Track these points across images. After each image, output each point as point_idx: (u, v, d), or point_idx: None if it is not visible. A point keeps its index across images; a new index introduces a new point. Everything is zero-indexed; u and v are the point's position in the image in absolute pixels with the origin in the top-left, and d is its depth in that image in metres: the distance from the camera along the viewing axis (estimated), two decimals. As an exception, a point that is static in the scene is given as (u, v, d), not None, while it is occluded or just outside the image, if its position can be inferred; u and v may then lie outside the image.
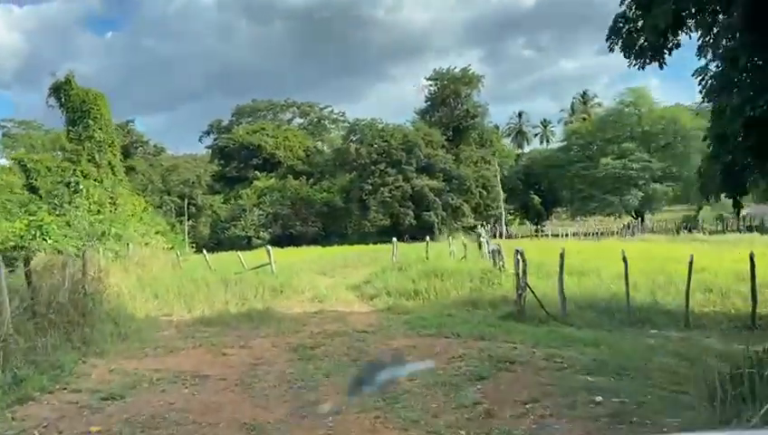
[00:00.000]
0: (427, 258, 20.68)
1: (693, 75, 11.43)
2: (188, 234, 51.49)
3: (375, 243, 40.09)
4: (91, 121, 30.44)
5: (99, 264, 13.04)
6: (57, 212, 24.24)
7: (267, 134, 72.11)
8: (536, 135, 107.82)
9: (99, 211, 24.79)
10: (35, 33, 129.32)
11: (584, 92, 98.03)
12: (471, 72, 65.01)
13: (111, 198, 28.39)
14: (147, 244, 19.13)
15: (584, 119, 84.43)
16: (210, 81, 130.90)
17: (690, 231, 53.14)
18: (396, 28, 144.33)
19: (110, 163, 30.42)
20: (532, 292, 11.93)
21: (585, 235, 53.77)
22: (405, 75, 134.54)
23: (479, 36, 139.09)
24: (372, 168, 56.59)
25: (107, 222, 20.44)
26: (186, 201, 57.59)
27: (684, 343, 10.25)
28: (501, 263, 15.22)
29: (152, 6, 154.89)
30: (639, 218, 67.36)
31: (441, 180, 56.98)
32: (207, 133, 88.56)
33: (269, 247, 20.83)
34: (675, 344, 10.00)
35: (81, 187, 26.46)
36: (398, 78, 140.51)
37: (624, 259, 12.03)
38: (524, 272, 11.93)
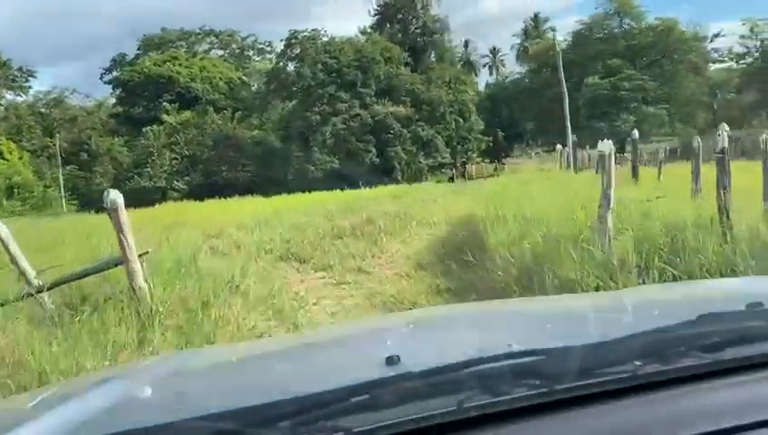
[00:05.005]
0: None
1: None
2: (64, 187, 37.41)
3: (341, 189, 26.68)
4: None
5: None
6: None
7: (180, 64, 58.55)
8: (485, 65, 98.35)
9: None
10: None
11: (536, 15, 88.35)
12: (428, -24, 52.69)
13: None
14: None
15: (538, 42, 74.84)
16: (123, 27, 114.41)
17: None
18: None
19: None
20: None
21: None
22: (330, 15, 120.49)
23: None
24: (319, 91, 43.17)
25: None
26: (58, 141, 42.64)
27: None
28: None
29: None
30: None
31: (408, 106, 44.53)
32: (109, 70, 73.70)
33: (114, 202, 6.03)
34: None
35: None
36: (323, 18, 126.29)
37: None
38: None
